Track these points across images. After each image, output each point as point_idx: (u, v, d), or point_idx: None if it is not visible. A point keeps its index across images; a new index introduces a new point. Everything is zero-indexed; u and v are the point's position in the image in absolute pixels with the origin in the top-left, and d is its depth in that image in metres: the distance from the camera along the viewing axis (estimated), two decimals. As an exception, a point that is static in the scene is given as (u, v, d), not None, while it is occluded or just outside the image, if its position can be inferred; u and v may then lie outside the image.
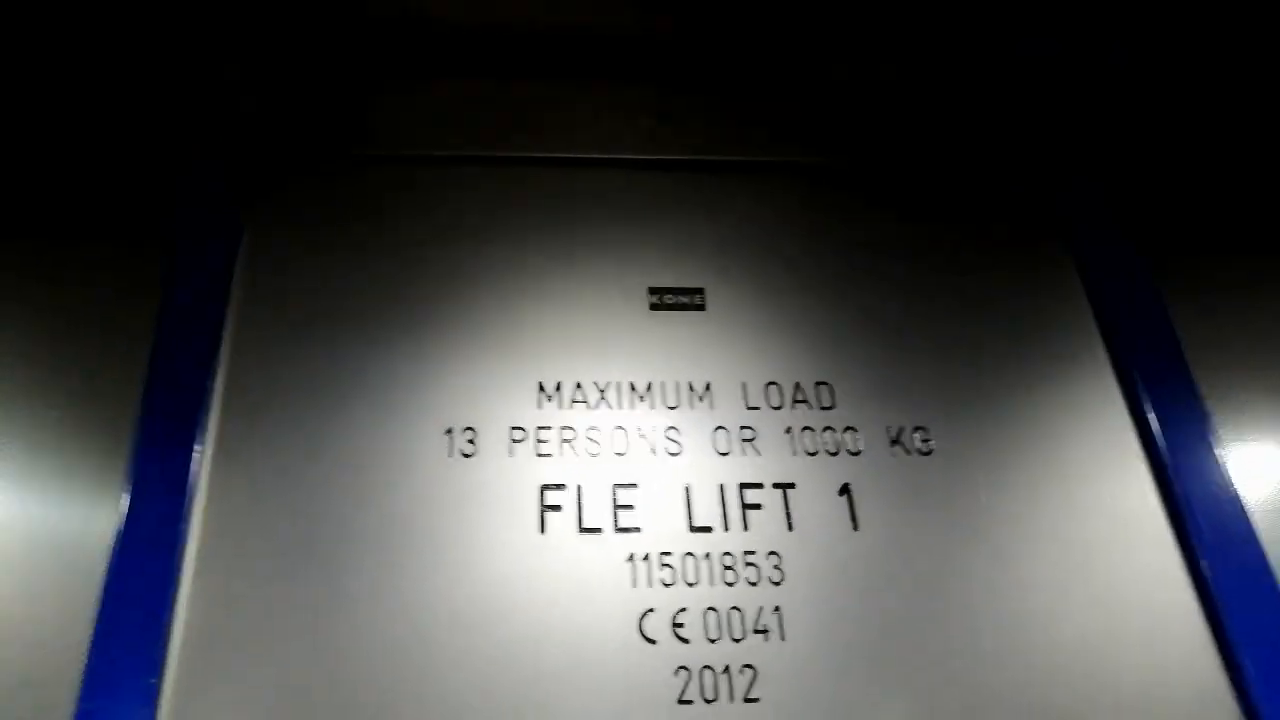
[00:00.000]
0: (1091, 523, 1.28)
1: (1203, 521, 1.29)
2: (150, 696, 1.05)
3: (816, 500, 1.27)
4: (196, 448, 1.23)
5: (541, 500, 1.24)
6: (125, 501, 1.18)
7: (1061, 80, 1.67)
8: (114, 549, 1.15)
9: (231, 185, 1.50)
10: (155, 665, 1.07)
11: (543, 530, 1.21)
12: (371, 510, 1.21)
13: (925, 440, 1.34)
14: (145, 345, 1.32)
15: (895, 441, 1.33)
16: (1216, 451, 1.36)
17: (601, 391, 1.35)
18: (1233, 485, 1.33)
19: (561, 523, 1.22)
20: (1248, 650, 1.18)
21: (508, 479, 1.25)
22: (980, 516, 1.28)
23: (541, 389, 1.34)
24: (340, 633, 1.12)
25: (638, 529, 1.23)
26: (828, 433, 1.33)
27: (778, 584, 1.20)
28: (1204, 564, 1.24)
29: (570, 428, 1.31)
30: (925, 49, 1.64)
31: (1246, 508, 1.31)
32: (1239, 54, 1.62)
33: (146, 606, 1.11)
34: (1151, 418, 1.37)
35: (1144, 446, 1.36)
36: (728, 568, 1.20)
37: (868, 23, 1.59)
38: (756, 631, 1.16)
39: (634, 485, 1.26)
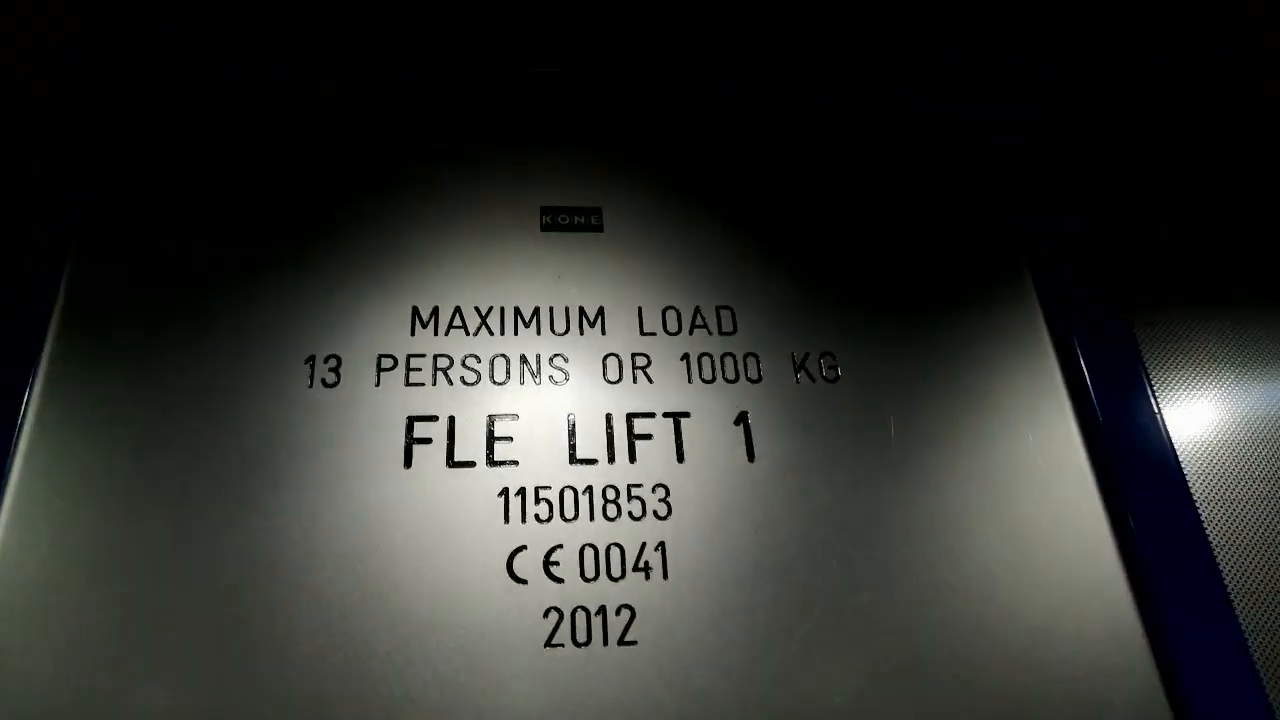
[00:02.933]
0: (1007, 456, 1.20)
1: (1126, 455, 1.21)
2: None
3: (711, 430, 1.18)
4: (26, 370, 1.11)
5: (410, 433, 1.13)
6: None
7: None
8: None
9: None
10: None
11: (409, 464, 1.11)
12: (223, 442, 1.10)
13: (831, 367, 1.24)
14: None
15: (799, 368, 1.24)
16: (1143, 381, 1.28)
17: (483, 317, 1.24)
18: (1160, 417, 1.26)
19: (430, 456, 1.12)
20: (1161, 582, 1.11)
21: (373, 410, 1.14)
22: (888, 448, 1.19)
23: (416, 314, 1.23)
24: (186, 571, 1.02)
25: (514, 462, 1.13)
26: (727, 359, 1.23)
27: (663, 518, 1.10)
28: (1123, 496, 1.17)
29: (445, 355, 1.20)
30: None
31: (1173, 441, 1.24)
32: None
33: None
34: (1076, 347, 1.29)
35: (1066, 377, 1.28)
36: (610, 501, 1.11)
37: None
38: (636, 570, 1.07)
39: (513, 416, 1.16)
